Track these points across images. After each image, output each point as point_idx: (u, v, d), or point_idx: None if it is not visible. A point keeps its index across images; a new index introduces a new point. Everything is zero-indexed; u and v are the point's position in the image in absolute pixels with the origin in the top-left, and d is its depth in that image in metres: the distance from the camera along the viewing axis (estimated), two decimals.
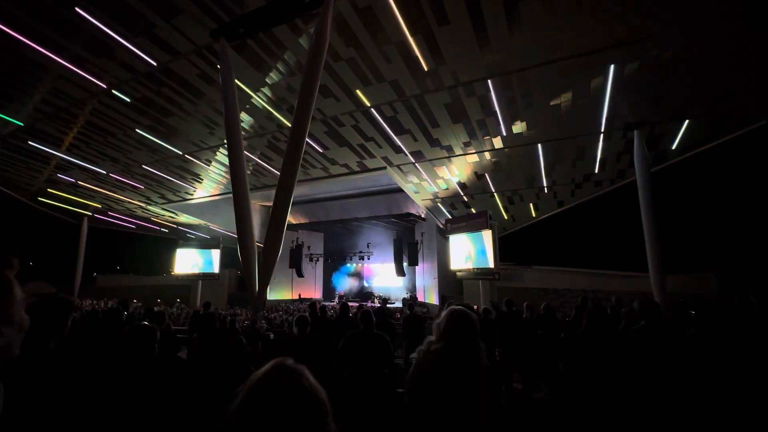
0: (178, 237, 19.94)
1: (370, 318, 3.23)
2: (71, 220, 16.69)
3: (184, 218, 17.31)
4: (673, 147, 8.84)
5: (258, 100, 7.55)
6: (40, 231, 25.10)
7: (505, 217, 15.36)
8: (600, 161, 9.87)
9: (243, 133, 6.40)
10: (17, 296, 0.85)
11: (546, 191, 12.27)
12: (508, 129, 8.36)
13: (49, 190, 13.19)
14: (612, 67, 6.17)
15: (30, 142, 9.34)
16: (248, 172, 11.00)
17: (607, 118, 7.74)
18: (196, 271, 18.34)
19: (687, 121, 7.78)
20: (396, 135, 8.92)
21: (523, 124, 8.16)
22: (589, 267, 13.75)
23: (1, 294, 0.83)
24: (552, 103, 7.33)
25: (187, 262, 18.46)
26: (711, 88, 6.70)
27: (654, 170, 8.77)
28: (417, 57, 6.06)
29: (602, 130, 8.22)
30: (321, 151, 10.05)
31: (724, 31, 5.22)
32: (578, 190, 12.18)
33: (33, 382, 1.34)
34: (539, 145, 9.15)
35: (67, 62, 6.28)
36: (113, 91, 7.17)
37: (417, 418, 1.63)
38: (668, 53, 5.78)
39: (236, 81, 5.96)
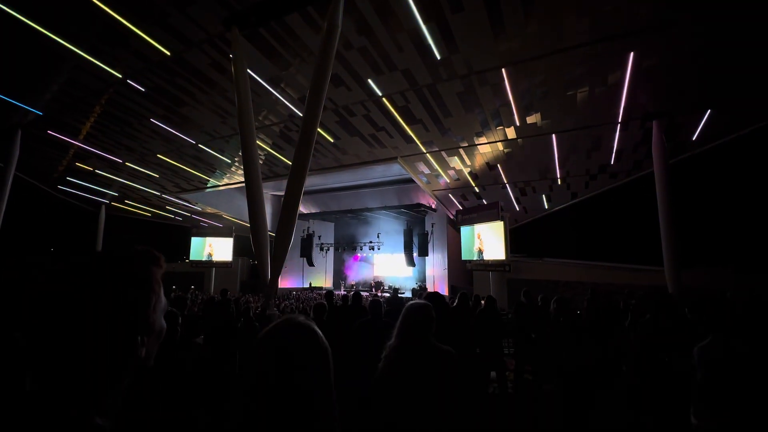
0: (192, 225, 20.32)
1: (379, 307, 3.27)
2: (90, 208, 17.13)
3: (197, 207, 17.60)
4: (694, 138, 8.59)
5: (270, 89, 7.56)
6: (61, 218, 25.82)
7: (517, 209, 15.21)
8: (616, 152, 9.65)
9: (255, 123, 6.43)
10: (162, 301, 0.73)
11: (559, 182, 12.09)
12: (522, 119, 8.22)
13: (68, 178, 13.53)
14: (632, 54, 5.98)
15: (49, 131, 9.56)
16: (260, 162, 11.09)
17: (625, 108, 7.54)
18: (209, 258, 18.72)
19: (709, 112, 7.53)
20: (407, 125, 8.85)
21: (538, 114, 8.00)
22: (602, 260, 13.57)
23: (146, 296, 0.69)
24: (568, 93, 7.17)
25: (201, 250, 18.84)
26: (735, 77, 6.46)
27: (672, 162, 8.54)
28: (429, 45, 5.97)
29: (620, 120, 8.01)
30: (332, 140, 10.05)
31: (749, 17, 5.00)
32: (593, 182, 11.96)
33: None
34: (553, 135, 8.98)
35: (83, 52, 6.37)
36: (128, 80, 7.26)
37: (382, 412, 1.64)
38: (691, 41, 5.58)
39: (248, 70, 5.98)
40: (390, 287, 19.84)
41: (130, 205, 17.69)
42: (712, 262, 10.92)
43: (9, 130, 9.09)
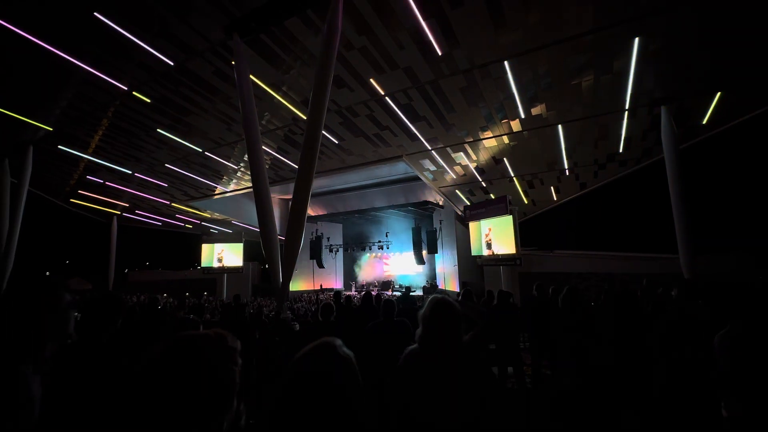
0: (202, 233, 20.55)
1: (392, 308, 3.25)
2: (101, 219, 17.42)
3: (207, 214, 17.78)
4: (704, 122, 8.41)
5: (273, 94, 7.60)
6: (74, 231, 26.35)
7: (525, 202, 15.08)
8: (625, 140, 9.50)
9: (260, 127, 6.48)
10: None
11: (567, 173, 11.94)
12: (527, 111, 8.13)
13: (79, 191, 13.77)
14: (636, 40, 5.88)
15: (60, 146, 9.74)
16: (266, 167, 11.16)
17: (632, 95, 7.41)
18: (220, 264, 18.91)
19: (719, 94, 7.36)
20: (411, 122, 8.82)
21: (543, 105, 7.92)
22: (615, 250, 13.39)
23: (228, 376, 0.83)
24: (573, 82, 7.07)
25: (212, 256, 19.04)
26: (744, 56, 6.30)
27: (683, 147, 8.38)
28: (430, 42, 5.93)
29: (627, 107, 7.88)
30: (337, 142, 10.07)
31: None
32: (602, 171, 11.79)
33: (88, 373, 1.40)
34: (560, 126, 8.87)
35: (89, 66, 6.48)
36: (134, 92, 7.36)
37: (403, 404, 1.62)
38: (696, 22, 5.46)
39: (251, 76, 6.01)
40: (400, 286, 19.83)
41: (141, 215, 17.94)
42: (728, 248, 10.70)
43: (21, 147, 9.28)
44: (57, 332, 1.16)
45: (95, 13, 5.27)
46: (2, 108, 7.71)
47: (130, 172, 11.92)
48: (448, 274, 18.80)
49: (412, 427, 1.56)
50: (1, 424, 0.92)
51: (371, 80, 7.11)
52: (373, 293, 5.40)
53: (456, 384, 1.57)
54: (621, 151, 10.15)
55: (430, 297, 1.76)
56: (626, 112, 8.14)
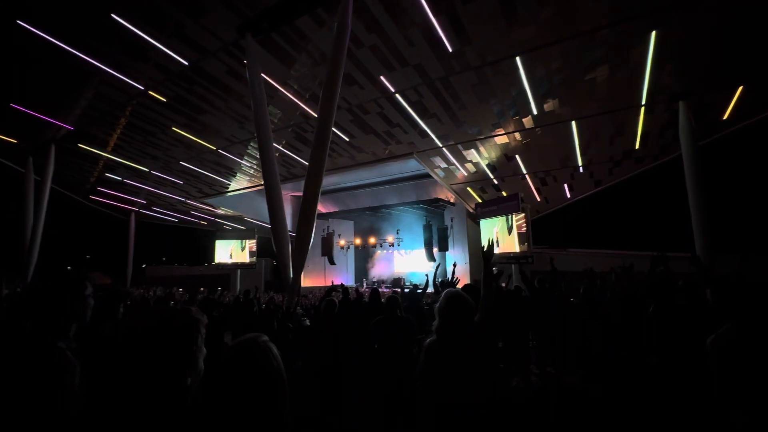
0: (216, 229, 20.93)
1: (396, 304, 3.30)
2: (120, 216, 17.91)
3: (221, 211, 18.10)
4: (724, 117, 8.14)
5: (284, 92, 7.68)
6: (94, 227, 27.16)
7: (538, 199, 14.87)
8: (641, 136, 9.27)
9: (271, 125, 6.56)
10: (203, 349, 1.09)
11: (581, 170, 11.72)
12: (539, 107, 8.02)
13: (99, 188, 14.19)
14: (653, 33, 5.73)
15: (80, 145, 10.05)
16: (278, 164, 11.29)
17: (648, 90, 7.23)
18: (233, 260, 19.21)
19: (740, 88, 7.12)
20: (422, 119, 8.80)
21: (555, 101, 7.79)
22: (631, 248, 13.11)
23: (191, 339, 1.08)
24: (587, 78, 6.94)
25: (225, 252, 19.36)
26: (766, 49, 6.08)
27: (702, 143, 8.13)
28: (441, 38, 5.91)
29: (643, 102, 7.69)
30: (347, 139, 10.11)
31: None
32: (617, 169, 11.54)
33: (91, 363, 1.48)
34: (573, 122, 8.71)
35: (107, 67, 6.67)
36: (150, 92, 7.54)
37: (428, 391, 1.79)
38: (716, 12, 5.28)
39: (263, 75, 6.10)
40: (410, 283, 19.80)
41: (158, 212, 18.38)
42: (749, 248, 10.37)
43: (44, 146, 9.62)
44: (80, 316, 1.32)
45: (112, 15, 5.42)
46: (26, 108, 8.01)
47: (147, 170, 12.23)
48: (459, 272, 18.68)
49: (438, 409, 1.73)
50: (51, 388, 1.10)
51: (381, 78, 7.12)
52: (385, 291, 5.45)
53: (472, 364, 1.76)
54: (637, 147, 9.92)
55: (445, 291, 1.98)
56: (642, 108, 7.95)
